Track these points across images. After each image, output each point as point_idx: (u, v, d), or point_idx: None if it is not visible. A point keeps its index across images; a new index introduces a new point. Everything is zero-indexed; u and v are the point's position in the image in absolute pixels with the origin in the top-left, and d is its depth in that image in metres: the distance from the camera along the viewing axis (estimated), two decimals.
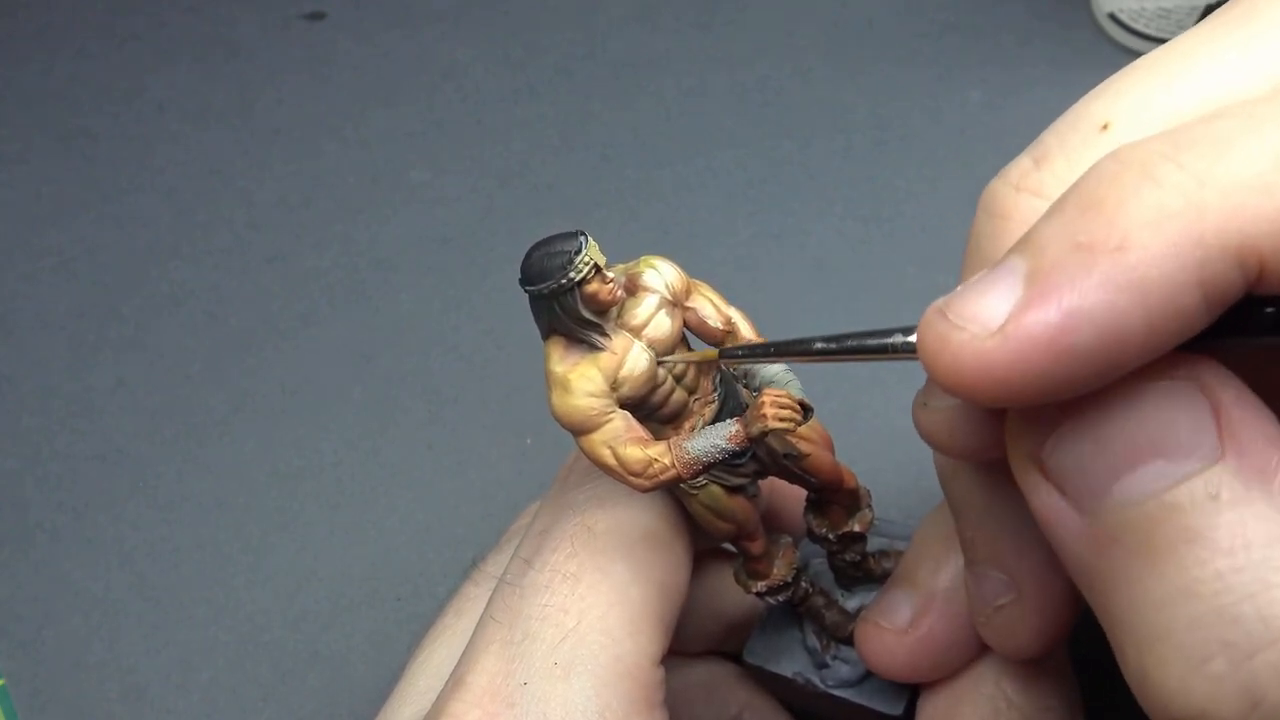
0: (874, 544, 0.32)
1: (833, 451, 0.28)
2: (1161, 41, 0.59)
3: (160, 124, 0.59)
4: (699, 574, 0.32)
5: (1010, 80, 0.56)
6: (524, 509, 0.44)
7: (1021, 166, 0.22)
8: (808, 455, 0.27)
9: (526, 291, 0.24)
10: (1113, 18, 0.56)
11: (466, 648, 0.27)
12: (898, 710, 0.30)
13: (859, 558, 0.30)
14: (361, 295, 0.52)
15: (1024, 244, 0.19)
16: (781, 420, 0.24)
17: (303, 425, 0.48)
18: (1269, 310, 0.18)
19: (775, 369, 0.27)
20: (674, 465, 0.25)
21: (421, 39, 0.62)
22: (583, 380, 0.25)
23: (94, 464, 0.48)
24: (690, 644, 0.34)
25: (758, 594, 0.29)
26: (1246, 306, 0.18)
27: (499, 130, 0.58)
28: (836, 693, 0.31)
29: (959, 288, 0.19)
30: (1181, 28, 0.54)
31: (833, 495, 0.29)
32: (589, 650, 0.26)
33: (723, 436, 0.25)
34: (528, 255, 0.24)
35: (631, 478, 0.25)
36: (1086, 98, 0.23)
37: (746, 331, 0.27)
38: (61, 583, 0.45)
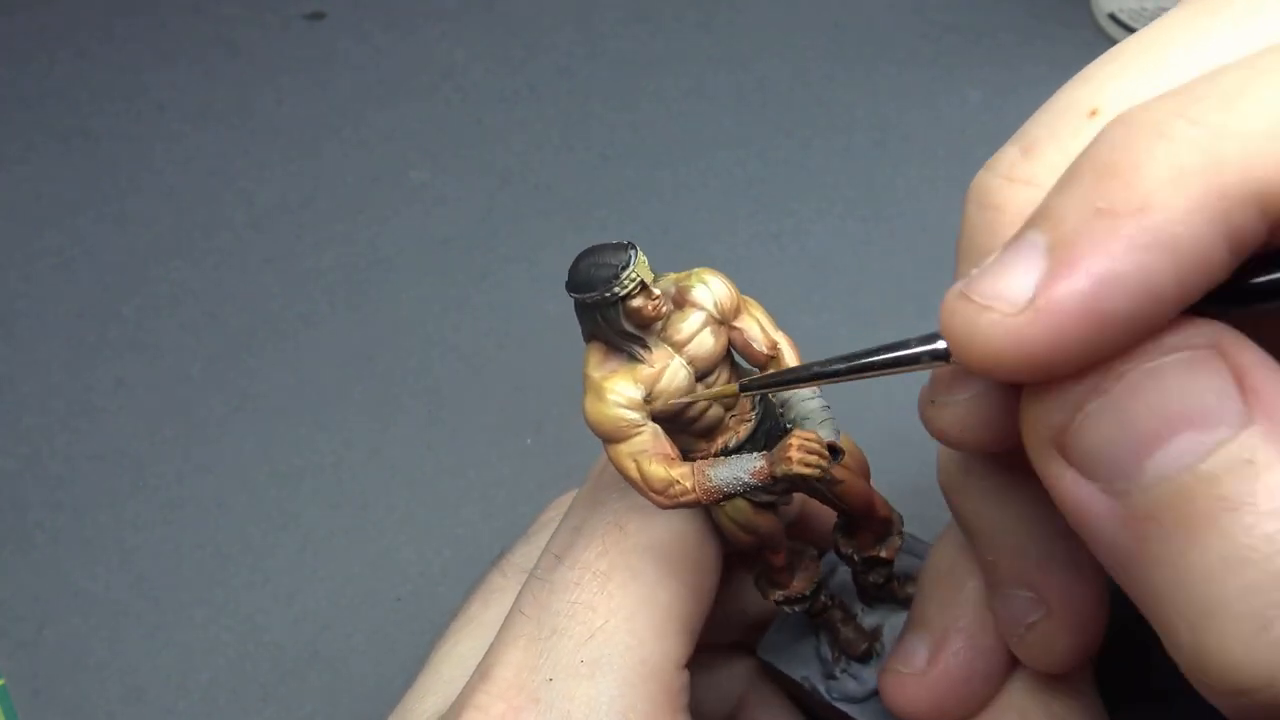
0: (902, 563, 0.31)
1: (868, 478, 0.28)
2: None
3: (160, 124, 0.59)
4: (723, 570, 0.32)
5: (1010, 80, 0.56)
6: (524, 508, 0.44)
7: (1009, 157, 0.22)
8: (841, 482, 0.27)
9: (572, 297, 0.24)
10: (1113, 18, 0.56)
11: (494, 640, 0.27)
12: None
13: (883, 580, 0.30)
14: (361, 295, 0.52)
15: (1039, 218, 0.19)
16: (807, 466, 0.24)
17: (303, 425, 0.48)
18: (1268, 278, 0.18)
19: (813, 405, 0.26)
20: (694, 490, 0.24)
21: (421, 39, 0.62)
22: (617, 390, 0.24)
23: (94, 464, 0.48)
24: (711, 640, 0.35)
25: (775, 602, 0.29)
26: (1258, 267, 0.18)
27: (499, 130, 0.58)
28: (839, 706, 0.31)
29: (975, 271, 0.19)
30: None
31: (863, 521, 0.29)
32: (615, 650, 0.25)
33: (747, 471, 0.24)
34: (576, 261, 0.24)
35: (652, 494, 0.25)
36: (1071, 84, 0.23)
37: (790, 359, 0.26)
38: (61, 583, 0.45)
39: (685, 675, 0.27)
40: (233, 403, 0.49)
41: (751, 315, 0.26)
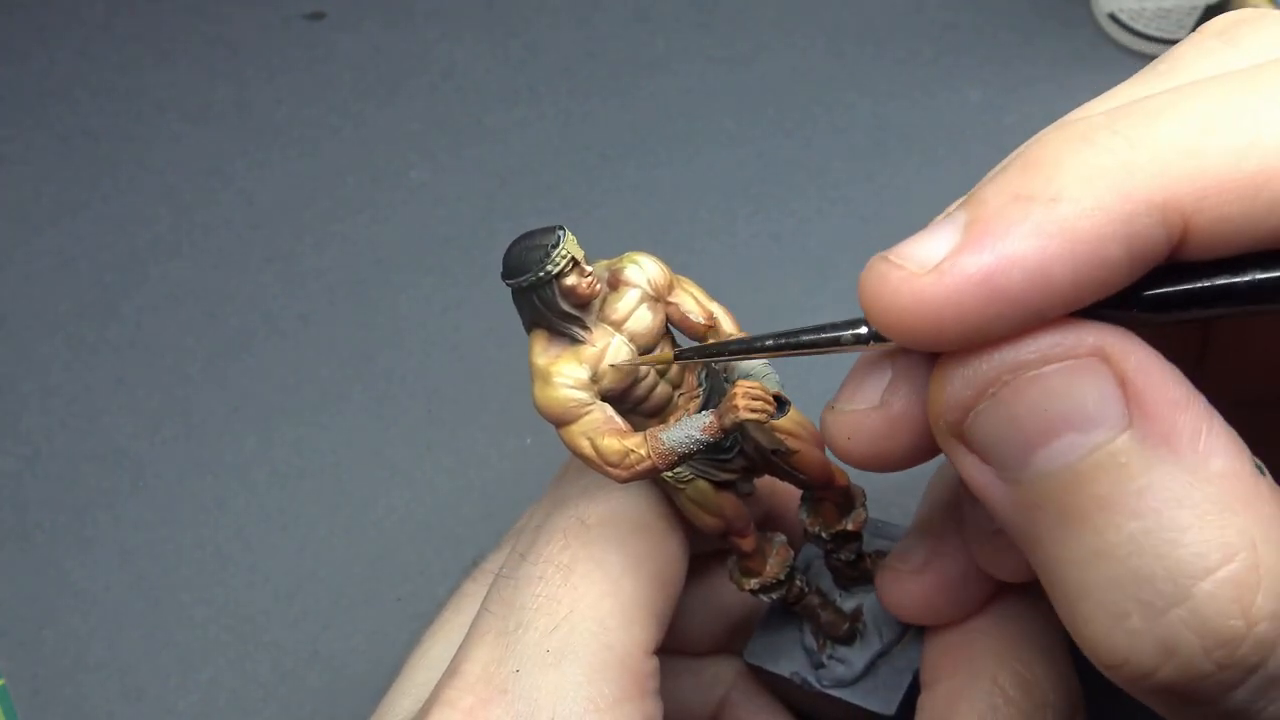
0: (872, 544, 0.32)
1: (823, 449, 0.28)
2: (1161, 41, 0.58)
3: (160, 124, 0.59)
4: (703, 574, 0.32)
5: (1010, 80, 0.56)
6: (524, 508, 0.44)
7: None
8: (796, 451, 0.27)
9: (507, 285, 0.25)
10: (1113, 18, 0.56)
11: (464, 639, 0.27)
12: (890, 710, 0.30)
13: (854, 557, 0.30)
14: (361, 295, 0.52)
15: (967, 200, 0.20)
16: (754, 411, 0.24)
17: (303, 425, 0.48)
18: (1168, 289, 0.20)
19: (755, 364, 0.27)
20: (650, 456, 0.25)
21: (421, 39, 0.62)
22: (564, 373, 0.25)
23: (94, 464, 0.48)
24: (696, 644, 0.35)
25: (751, 591, 0.29)
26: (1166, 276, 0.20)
27: (499, 130, 0.58)
28: (832, 692, 0.31)
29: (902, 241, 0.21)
30: (1181, 27, 0.54)
31: (824, 493, 0.29)
32: (580, 639, 0.26)
33: (697, 428, 0.25)
34: (508, 250, 0.25)
35: (609, 468, 0.25)
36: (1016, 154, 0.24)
37: (728, 327, 0.27)
38: (61, 583, 0.45)
39: (653, 661, 0.27)
40: (233, 403, 0.49)
41: (686, 290, 0.27)
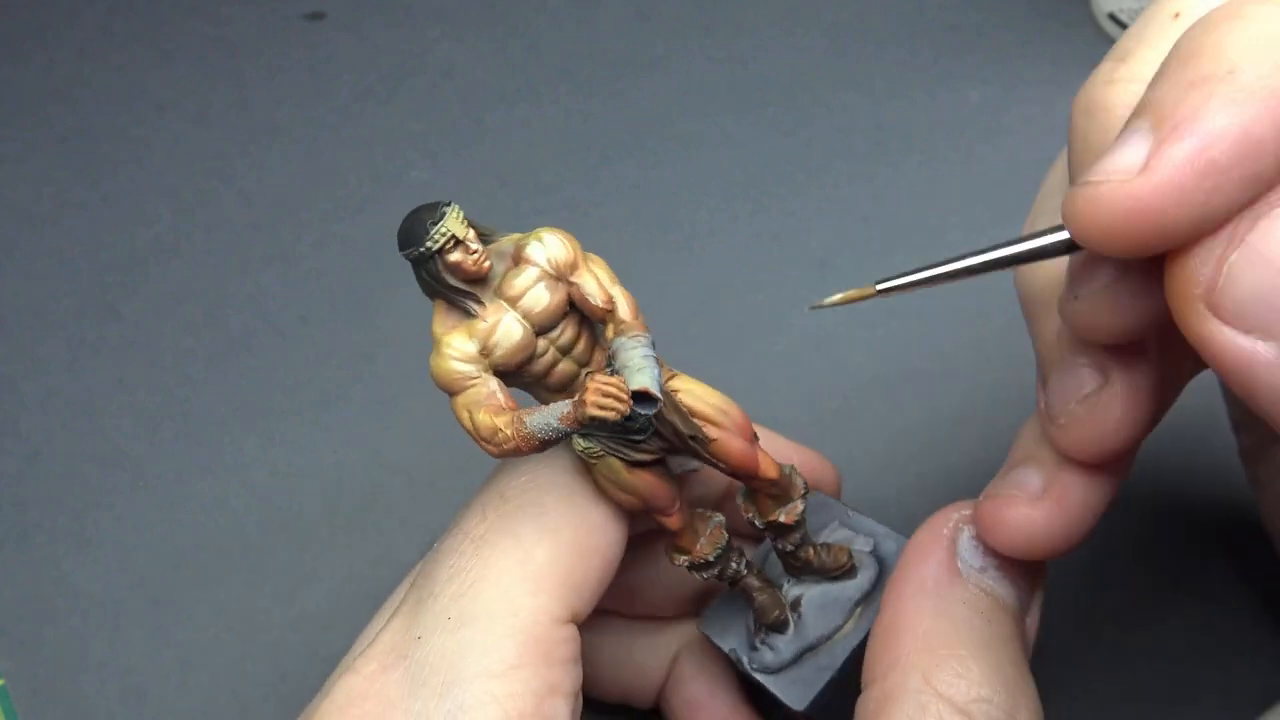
0: (837, 535, 0.32)
1: (751, 438, 0.28)
2: None
3: (160, 124, 0.59)
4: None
5: (1010, 80, 0.56)
6: None
7: (1106, 66, 0.24)
8: (714, 440, 0.27)
9: (401, 256, 0.25)
10: (1113, 18, 0.56)
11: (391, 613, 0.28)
12: (801, 705, 0.30)
13: (792, 548, 0.30)
14: (361, 295, 0.52)
15: (1139, 109, 0.20)
16: (601, 409, 0.24)
17: (303, 425, 0.48)
18: None
19: (635, 354, 0.26)
20: (515, 437, 0.25)
21: (421, 39, 0.62)
22: (453, 345, 0.26)
23: (94, 464, 0.48)
24: (660, 609, 0.35)
25: (683, 567, 0.29)
26: None
27: (499, 130, 0.58)
28: (755, 675, 0.31)
29: (1090, 162, 0.20)
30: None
31: (751, 483, 0.29)
32: (481, 606, 0.26)
33: (556, 417, 0.25)
34: (402, 222, 0.25)
35: (483, 443, 0.26)
36: None
37: (624, 313, 0.26)
38: (61, 583, 0.45)
39: (566, 629, 0.27)
40: (233, 403, 0.49)
41: (590, 271, 0.27)
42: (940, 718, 0.25)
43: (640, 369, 0.26)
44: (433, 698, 0.25)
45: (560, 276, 0.26)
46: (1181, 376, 0.28)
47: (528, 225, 0.60)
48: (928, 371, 0.47)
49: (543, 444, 0.25)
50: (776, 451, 0.30)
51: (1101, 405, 0.25)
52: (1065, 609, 0.30)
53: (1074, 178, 0.24)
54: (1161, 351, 0.25)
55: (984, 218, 0.51)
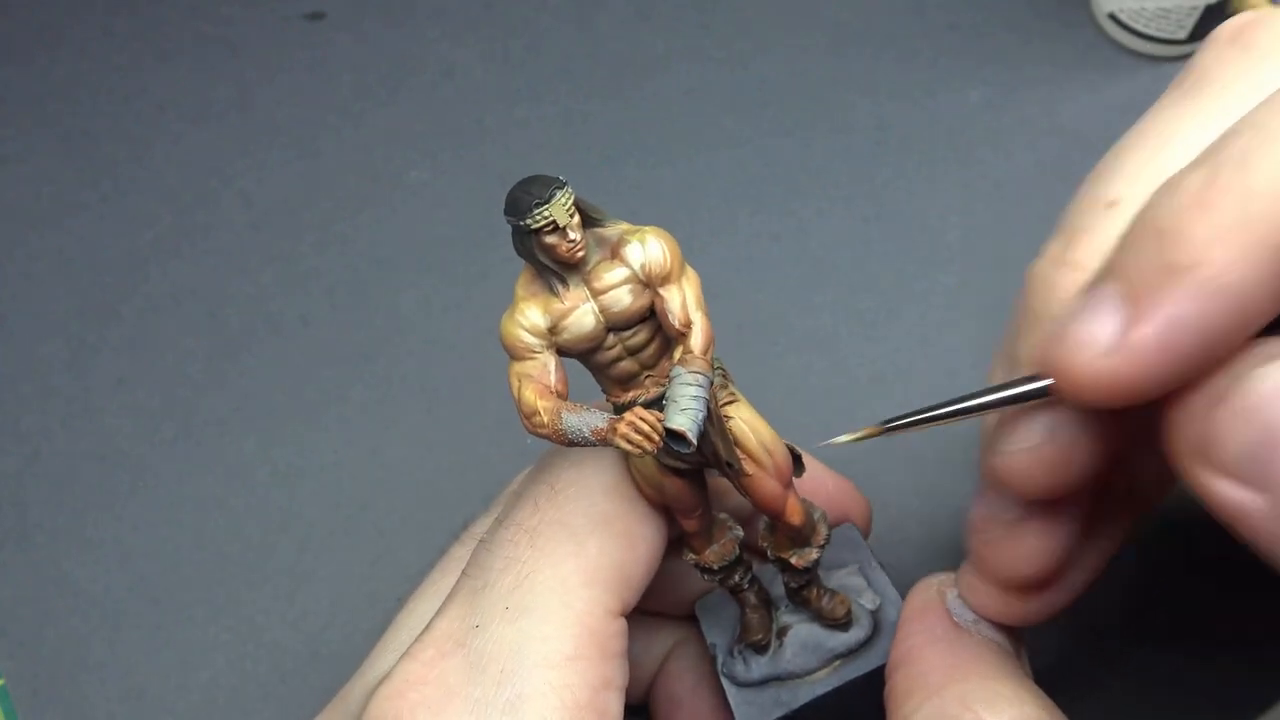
0: (849, 581, 0.32)
1: (786, 484, 0.28)
2: (1161, 41, 0.58)
3: (160, 124, 0.59)
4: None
5: (1010, 80, 0.56)
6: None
7: (1056, 245, 0.27)
8: (748, 475, 0.27)
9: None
10: (1113, 18, 0.56)
11: (443, 600, 0.28)
12: None
13: (797, 586, 0.31)
14: (361, 295, 0.52)
15: (1109, 275, 0.22)
16: (631, 445, 0.24)
17: (303, 425, 0.48)
18: None
19: (686, 390, 0.25)
20: (548, 426, 0.25)
21: (421, 39, 0.62)
22: (526, 314, 0.26)
23: (94, 464, 0.48)
24: (665, 605, 0.36)
25: (690, 564, 0.30)
26: None
27: (499, 130, 0.58)
28: (722, 679, 0.32)
29: (1066, 321, 0.23)
30: (1181, 28, 0.54)
31: (774, 521, 0.29)
32: (539, 597, 0.27)
33: (589, 427, 0.25)
34: (515, 185, 0.25)
35: (521, 416, 0.26)
36: (1092, 179, 0.27)
37: (695, 344, 0.26)
38: (61, 583, 0.45)
39: (618, 623, 0.28)
40: (233, 403, 0.49)
41: (680, 288, 0.26)
42: None
43: (684, 409, 0.25)
44: (492, 685, 0.26)
45: (649, 283, 0.26)
46: (1116, 531, 0.30)
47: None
48: (927, 371, 0.47)
49: (571, 443, 0.26)
50: (813, 476, 0.30)
51: (1018, 534, 0.27)
52: (1065, 609, 0.31)
53: (1021, 335, 0.27)
54: (1093, 499, 0.28)
55: (984, 217, 0.51)
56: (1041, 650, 0.32)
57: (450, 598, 0.28)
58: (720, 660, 0.32)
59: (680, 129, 0.57)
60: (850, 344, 0.49)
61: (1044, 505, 0.27)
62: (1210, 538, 0.42)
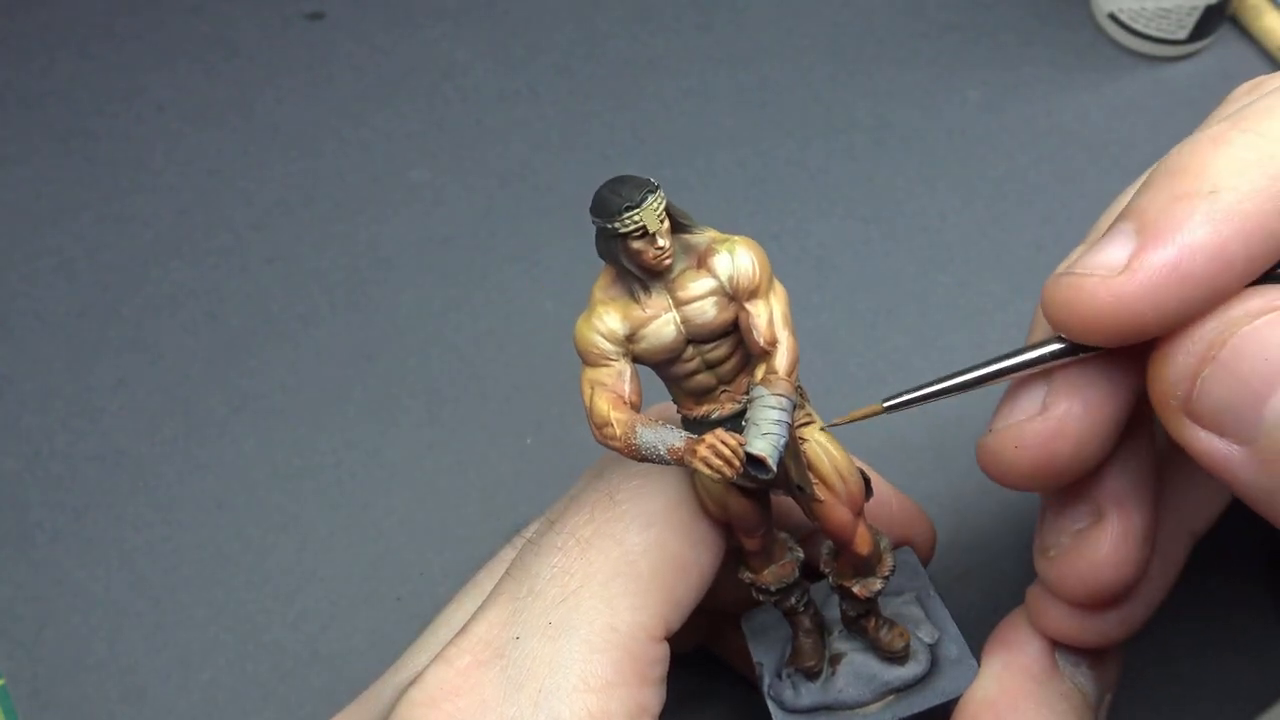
0: (907, 611, 0.31)
1: (856, 512, 0.27)
2: (1161, 41, 0.58)
3: (160, 124, 0.59)
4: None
5: (1010, 80, 0.56)
6: (524, 508, 0.44)
7: (1072, 256, 0.26)
8: (820, 501, 0.26)
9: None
10: (1113, 18, 0.56)
11: (484, 600, 0.28)
12: None
13: (855, 615, 0.30)
14: (361, 295, 0.52)
15: (1125, 213, 0.22)
16: (710, 468, 0.23)
17: (303, 425, 0.48)
18: None
19: (767, 414, 0.24)
20: (621, 439, 0.24)
21: (421, 39, 0.62)
22: (604, 318, 0.25)
23: (94, 464, 0.48)
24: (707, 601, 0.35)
25: (744, 581, 0.29)
26: None
27: (499, 130, 0.58)
28: (769, 702, 0.31)
29: (1074, 255, 0.23)
30: (1181, 27, 0.54)
31: (840, 548, 0.28)
32: (584, 615, 0.26)
33: (665, 445, 0.24)
34: (605, 183, 0.24)
35: (591, 425, 0.25)
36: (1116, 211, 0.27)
37: (780, 364, 0.25)
38: (61, 583, 0.45)
39: (660, 648, 0.27)
40: (233, 403, 0.49)
41: (768, 304, 0.25)
42: None
43: (766, 433, 0.24)
44: (528, 705, 0.25)
45: (736, 296, 0.25)
46: (1179, 549, 0.30)
47: (527, 226, 0.61)
48: (927, 371, 0.47)
49: (643, 459, 0.25)
50: (879, 496, 0.29)
51: (1091, 540, 0.27)
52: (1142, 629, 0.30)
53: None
54: (1160, 505, 0.28)
55: (984, 217, 0.51)
56: None
57: (491, 599, 0.27)
58: (767, 681, 0.31)
59: (680, 129, 0.57)
60: (850, 344, 0.49)
61: (1115, 503, 0.27)
62: (1210, 537, 0.42)
